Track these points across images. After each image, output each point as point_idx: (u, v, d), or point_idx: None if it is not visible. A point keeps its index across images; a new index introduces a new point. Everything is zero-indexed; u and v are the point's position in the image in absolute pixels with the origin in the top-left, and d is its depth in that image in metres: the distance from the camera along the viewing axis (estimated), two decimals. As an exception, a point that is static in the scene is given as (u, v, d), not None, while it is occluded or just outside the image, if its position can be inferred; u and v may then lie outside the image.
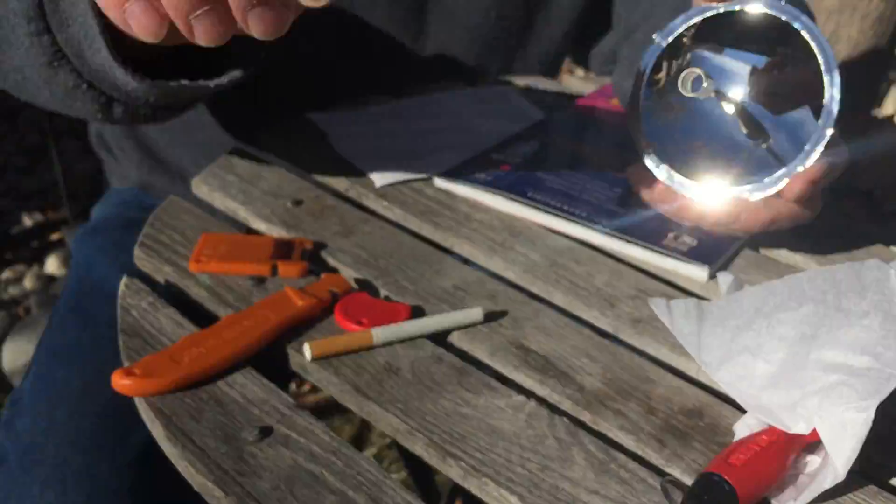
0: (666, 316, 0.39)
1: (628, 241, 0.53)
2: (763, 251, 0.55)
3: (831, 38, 1.75)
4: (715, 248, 0.53)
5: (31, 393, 0.62)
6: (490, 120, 0.68)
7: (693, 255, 0.52)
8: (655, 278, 0.51)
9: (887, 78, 1.89)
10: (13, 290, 1.54)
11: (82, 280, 0.73)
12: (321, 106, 0.69)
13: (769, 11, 0.45)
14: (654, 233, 0.53)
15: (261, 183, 0.58)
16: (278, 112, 0.70)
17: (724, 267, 0.52)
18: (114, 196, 0.84)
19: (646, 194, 0.50)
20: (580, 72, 1.69)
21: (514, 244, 0.53)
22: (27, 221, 1.70)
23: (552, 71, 0.84)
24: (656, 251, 0.52)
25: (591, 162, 0.62)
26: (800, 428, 0.33)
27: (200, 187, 0.58)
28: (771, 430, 0.36)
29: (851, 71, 1.78)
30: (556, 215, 0.55)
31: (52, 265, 1.60)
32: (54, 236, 1.65)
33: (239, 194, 0.56)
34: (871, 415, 0.31)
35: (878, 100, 2.61)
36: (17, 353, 1.37)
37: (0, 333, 1.41)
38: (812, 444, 0.36)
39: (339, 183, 0.59)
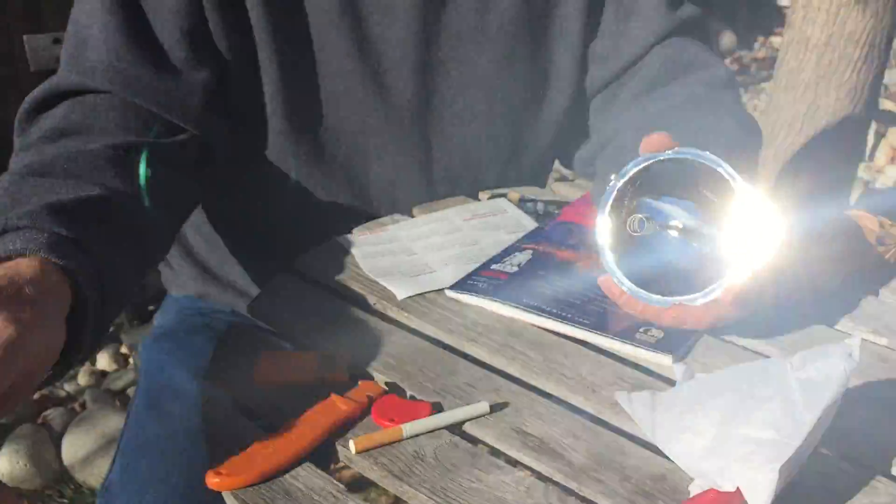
0: (628, 406, 0.50)
1: (607, 336, 0.64)
2: (720, 335, 0.66)
3: (810, 107, 1.89)
4: (678, 339, 0.64)
5: (121, 481, 0.75)
6: (489, 233, 0.81)
7: (659, 346, 0.63)
8: (630, 365, 0.63)
9: (866, 142, 2.02)
10: (69, 387, 1.67)
11: (154, 381, 0.86)
12: (346, 228, 0.82)
13: (698, 160, 0.58)
14: (628, 327, 0.65)
15: (304, 303, 0.70)
16: (308, 235, 0.83)
17: (687, 353, 0.64)
18: (173, 304, 0.98)
19: (615, 299, 0.62)
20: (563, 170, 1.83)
21: (513, 343, 0.65)
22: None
23: (542, 175, 0.97)
24: (629, 344, 0.63)
25: (575, 266, 0.74)
26: (727, 486, 0.44)
27: (255, 311, 0.70)
28: (713, 490, 0.47)
29: (831, 136, 1.92)
30: (548, 317, 0.67)
31: (104, 361, 1.73)
32: (103, 336, 1.78)
33: (287, 314, 0.69)
34: (776, 474, 0.42)
35: (867, 155, 2.74)
36: (76, 447, 1.49)
37: (59, 429, 1.53)
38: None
39: (368, 298, 0.71)
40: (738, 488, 0.44)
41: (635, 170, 0.60)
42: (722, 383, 0.48)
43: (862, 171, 2.61)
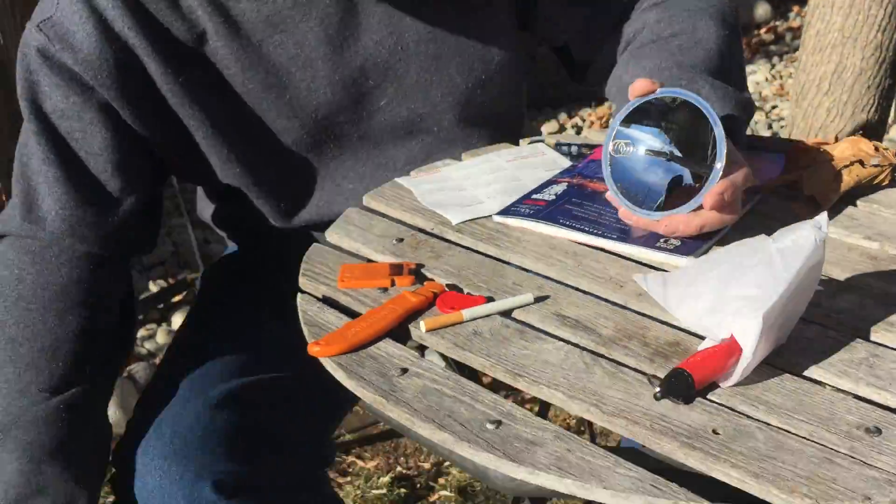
0: (644, 284, 0.62)
1: (632, 244, 0.76)
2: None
3: (837, 67, 1.96)
4: (693, 244, 0.75)
5: (170, 359, 0.92)
6: (529, 170, 0.92)
7: (678, 251, 0.74)
8: (652, 268, 0.74)
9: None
10: (148, 345, 1.84)
11: (218, 273, 1.05)
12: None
13: (678, 97, 0.72)
14: (651, 237, 0.76)
15: (372, 229, 0.83)
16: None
17: (700, 257, 0.75)
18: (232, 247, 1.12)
19: (621, 214, 0.75)
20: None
21: (552, 254, 0.77)
22: (153, 287, 2.01)
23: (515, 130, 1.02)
24: (651, 249, 0.75)
25: (604, 195, 0.85)
26: (724, 333, 0.56)
27: (332, 235, 0.83)
28: (715, 346, 0.58)
29: (859, 95, 1.98)
30: (581, 232, 0.78)
31: (178, 322, 1.89)
32: (176, 298, 1.94)
33: (359, 237, 0.81)
34: (760, 320, 0.53)
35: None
36: (159, 397, 1.65)
37: (143, 381, 1.69)
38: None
39: (427, 224, 0.83)
40: (732, 336, 0.56)
41: (627, 112, 0.74)
42: (718, 258, 0.59)
43: (896, 133, 2.65)
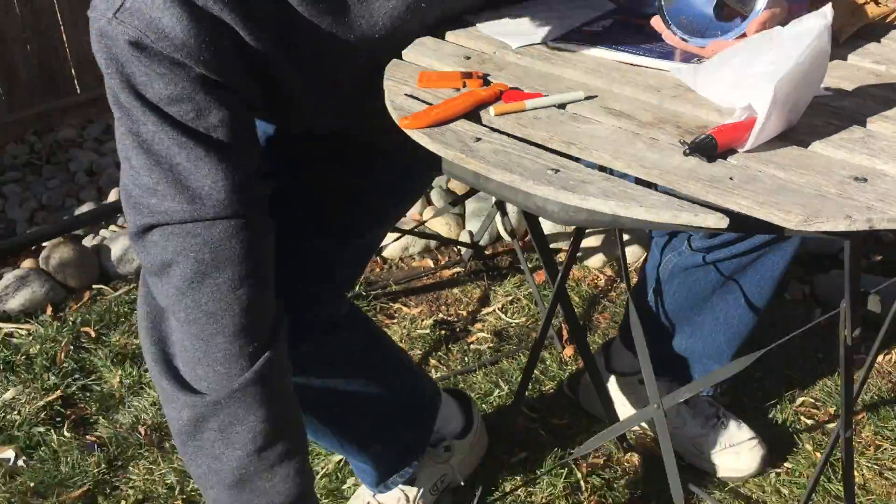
0: (678, 74, 0.75)
1: (671, 62, 0.88)
2: (756, 65, 0.89)
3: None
4: (722, 61, 0.87)
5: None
6: (580, 9, 1.04)
7: (708, 65, 0.86)
8: (686, 81, 0.86)
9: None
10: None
11: None
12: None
13: None
14: (687, 56, 0.88)
15: (443, 50, 0.96)
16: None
17: (727, 68, 0.87)
18: None
19: (666, 37, 0.86)
20: None
21: (600, 69, 0.89)
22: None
23: None
24: (687, 64, 0.87)
25: (644, 27, 0.97)
26: (744, 103, 0.69)
27: (408, 55, 0.95)
28: (736, 122, 0.71)
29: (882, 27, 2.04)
30: (626, 53, 0.90)
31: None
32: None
33: (432, 56, 0.94)
34: (773, 87, 0.66)
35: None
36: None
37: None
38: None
39: (489, 49, 0.96)
40: (749, 116, 0.69)
41: None
42: (738, 48, 0.72)
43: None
